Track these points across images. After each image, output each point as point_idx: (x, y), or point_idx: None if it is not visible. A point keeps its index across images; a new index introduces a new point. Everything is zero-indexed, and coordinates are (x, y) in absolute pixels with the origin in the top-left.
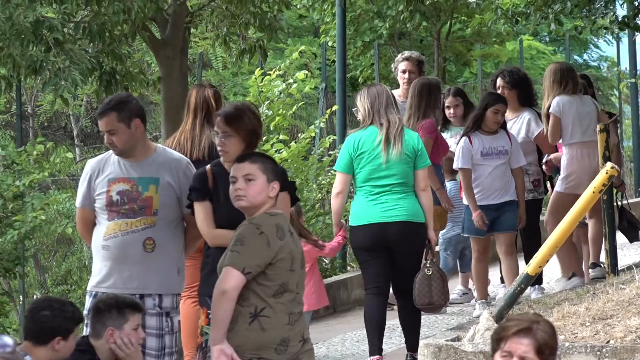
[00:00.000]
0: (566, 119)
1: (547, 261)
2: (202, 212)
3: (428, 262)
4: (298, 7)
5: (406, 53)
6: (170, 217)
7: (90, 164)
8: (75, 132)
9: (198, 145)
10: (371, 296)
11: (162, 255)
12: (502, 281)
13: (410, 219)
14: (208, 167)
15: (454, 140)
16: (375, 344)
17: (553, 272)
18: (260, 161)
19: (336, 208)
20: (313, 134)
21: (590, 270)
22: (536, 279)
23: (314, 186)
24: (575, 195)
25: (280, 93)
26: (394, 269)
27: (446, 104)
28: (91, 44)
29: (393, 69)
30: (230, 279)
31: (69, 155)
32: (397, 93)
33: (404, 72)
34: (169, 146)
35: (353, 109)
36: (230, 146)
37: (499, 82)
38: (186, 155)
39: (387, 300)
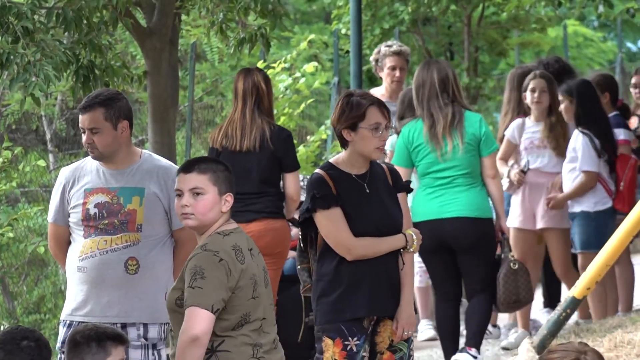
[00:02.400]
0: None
1: (597, 282)
2: (334, 220)
3: (510, 254)
4: None
5: (394, 45)
6: (157, 233)
7: (64, 172)
8: (48, 136)
9: (249, 135)
10: (440, 302)
11: (147, 278)
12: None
13: (469, 214)
14: (321, 171)
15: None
16: (450, 354)
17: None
18: (211, 170)
19: None
20: (324, 136)
21: None
22: None
23: None
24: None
25: (286, 89)
26: (462, 271)
27: None
28: (66, 34)
29: (373, 62)
30: (201, 322)
31: (41, 162)
32: (379, 92)
33: (392, 68)
34: (215, 137)
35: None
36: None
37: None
38: (235, 147)
39: (459, 303)
